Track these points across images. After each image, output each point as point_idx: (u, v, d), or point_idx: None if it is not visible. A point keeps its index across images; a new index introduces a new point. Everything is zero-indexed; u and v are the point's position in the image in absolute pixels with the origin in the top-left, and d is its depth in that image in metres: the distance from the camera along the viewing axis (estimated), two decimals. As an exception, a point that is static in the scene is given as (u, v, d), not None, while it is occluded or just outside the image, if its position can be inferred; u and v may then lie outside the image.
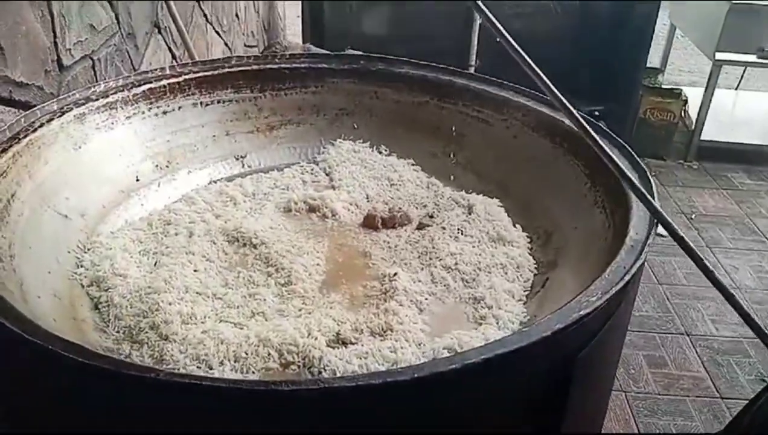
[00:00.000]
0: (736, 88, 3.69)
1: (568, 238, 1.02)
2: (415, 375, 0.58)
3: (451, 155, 1.27)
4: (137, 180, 1.12)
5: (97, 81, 1.31)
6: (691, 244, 0.82)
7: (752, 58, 2.95)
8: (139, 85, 1.16)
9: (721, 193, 2.84)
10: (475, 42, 2.60)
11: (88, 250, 0.98)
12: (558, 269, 0.98)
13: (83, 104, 1.08)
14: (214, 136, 1.24)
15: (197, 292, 0.91)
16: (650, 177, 0.94)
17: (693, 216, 2.63)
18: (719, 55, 2.92)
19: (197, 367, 0.79)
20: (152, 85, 1.18)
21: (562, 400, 0.66)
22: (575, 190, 1.05)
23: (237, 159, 1.26)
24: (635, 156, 0.99)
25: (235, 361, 0.81)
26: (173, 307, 0.87)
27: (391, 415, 0.61)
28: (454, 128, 1.27)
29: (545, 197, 1.11)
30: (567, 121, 1.13)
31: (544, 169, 1.12)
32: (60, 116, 1.04)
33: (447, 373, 0.58)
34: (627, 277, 0.71)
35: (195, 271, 0.96)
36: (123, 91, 1.14)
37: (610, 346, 0.81)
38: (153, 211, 1.09)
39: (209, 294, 0.92)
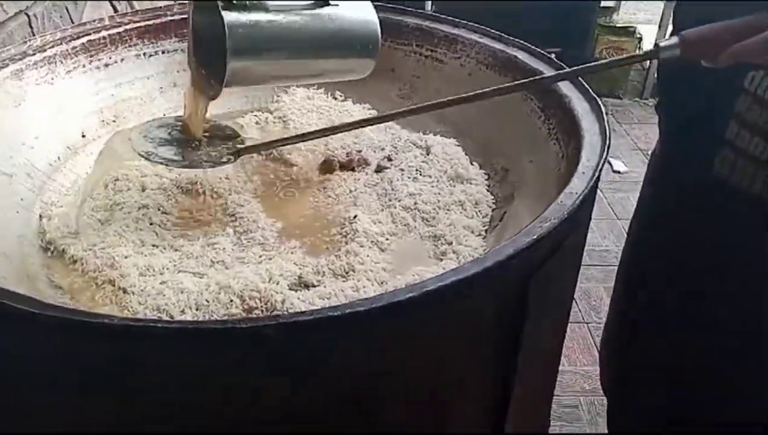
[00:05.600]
0: (689, 25, 3.72)
1: (524, 172, 1.03)
2: (373, 305, 0.58)
3: (407, 98, 1.25)
4: (83, 136, 1.08)
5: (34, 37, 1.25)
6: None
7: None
8: (78, 38, 1.11)
9: (676, 128, 2.89)
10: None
11: (37, 209, 0.95)
12: (515, 202, 0.99)
13: (20, 60, 1.04)
14: (161, 88, 1.20)
15: (153, 245, 0.90)
16: (600, 103, 0.94)
17: (649, 151, 2.67)
18: (671, -10, 2.94)
19: (158, 316, 0.79)
20: (91, 37, 1.13)
21: (519, 324, 0.67)
22: (530, 124, 1.06)
23: (187, 111, 1.22)
24: (585, 85, 0.99)
25: (196, 309, 0.80)
26: (129, 259, 0.86)
27: (352, 346, 0.61)
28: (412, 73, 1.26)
29: (501, 134, 1.11)
30: (520, 56, 1.14)
31: (499, 106, 1.11)
32: (-5, 72, 1.00)
33: (405, 301, 0.59)
34: (578, 201, 0.72)
35: (150, 223, 0.94)
36: (61, 44, 1.09)
37: (565, 269, 0.83)
38: (102, 167, 1.05)
39: (166, 246, 0.90)
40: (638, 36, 3.16)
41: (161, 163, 0.97)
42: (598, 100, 0.96)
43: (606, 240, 2.13)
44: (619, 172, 2.52)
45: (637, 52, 3.18)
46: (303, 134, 1.05)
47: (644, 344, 1.16)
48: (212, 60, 0.94)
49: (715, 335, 1.01)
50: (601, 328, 1.76)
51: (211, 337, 0.57)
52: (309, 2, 0.95)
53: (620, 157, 2.61)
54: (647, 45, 3.15)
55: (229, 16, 0.87)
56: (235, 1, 0.88)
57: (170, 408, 0.61)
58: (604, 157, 0.82)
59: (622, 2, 3.71)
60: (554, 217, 0.71)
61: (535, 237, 0.67)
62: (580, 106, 0.96)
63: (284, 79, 1.11)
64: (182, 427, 0.62)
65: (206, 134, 1.04)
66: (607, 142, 0.86)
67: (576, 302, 1.86)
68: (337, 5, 0.97)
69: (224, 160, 0.99)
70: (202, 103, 1.00)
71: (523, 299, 0.68)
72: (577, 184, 0.78)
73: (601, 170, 0.81)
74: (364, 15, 1.00)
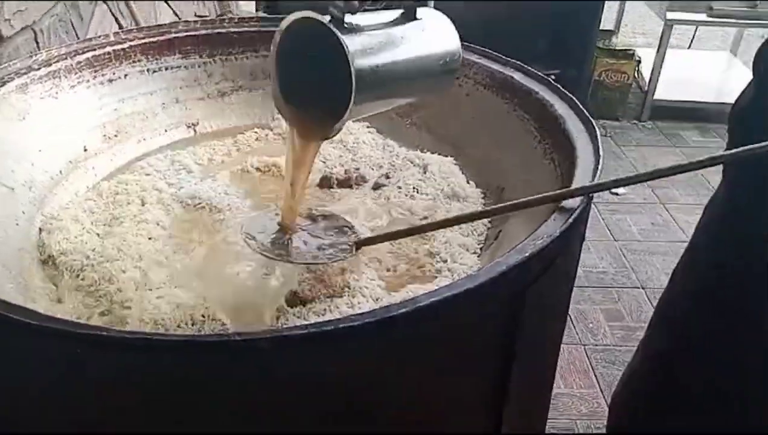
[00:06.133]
0: (688, 48, 3.76)
1: (520, 191, 1.03)
2: (367, 320, 0.59)
3: (406, 116, 1.27)
4: (85, 150, 1.09)
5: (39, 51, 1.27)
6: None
7: (702, 16, 3.01)
8: (83, 53, 1.13)
9: (674, 150, 2.91)
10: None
11: (38, 222, 0.96)
12: (510, 221, 1.00)
13: (25, 74, 1.05)
14: (163, 103, 1.22)
15: (151, 259, 0.91)
16: (594, 124, 0.96)
17: (647, 174, 2.68)
18: (670, 15, 2.97)
19: (154, 330, 0.79)
20: (96, 53, 1.15)
21: (512, 340, 0.68)
22: (526, 144, 1.07)
23: (188, 126, 1.24)
24: (579, 105, 1.01)
25: (192, 324, 0.81)
26: (127, 274, 0.86)
27: (345, 360, 0.62)
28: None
29: (498, 153, 1.12)
30: (516, 77, 1.15)
31: (496, 125, 1.13)
32: (1, 87, 1.01)
33: (398, 316, 0.59)
34: (570, 220, 0.73)
35: (149, 238, 0.95)
36: (66, 59, 1.11)
37: (558, 286, 0.84)
38: (103, 182, 1.07)
39: (164, 260, 0.91)
40: (637, 59, 3.19)
41: (280, 260, 0.88)
42: (593, 121, 0.98)
43: (603, 261, 2.14)
44: (617, 194, 2.53)
45: (636, 75, 3.23)
46: (424, 225, 0.95)
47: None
48: (310, 93, 0.83)
49: None
50: (599, 350, 1.77)
51: (205, 350, 0.57)
52: (396, 17, 0.84)
53: (619, 178, 2.62)
54: (646, 68, 3.18)
55: (348, 39, 0.74)
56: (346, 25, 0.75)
57: (163, 419, 0.62)
58: (597, 177, 0.83)
59: (622, 26, 3.76)
60: (546, 235, 0.72)
61: (527, 254, 0.68)
62: (574, 126, 0.97)
63: (394, 100, 0.93)
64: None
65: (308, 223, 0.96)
66: (600, 162, 0.87)
67: (573, 324, 1.86)
68: (421, 19, 0.85)
69: (344, 252, 0.91)
70: (314, 148, 0.87)
71: (515, 316, 0.69)
72: (570, 203, 0.79)
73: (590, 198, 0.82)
74: (445, 28, 0.89)
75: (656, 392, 1.12)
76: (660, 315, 1.14)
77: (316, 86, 0.83)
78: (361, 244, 0.92)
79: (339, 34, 0.74)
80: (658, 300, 1.09)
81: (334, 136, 0.82)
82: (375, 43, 0.78)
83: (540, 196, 0.82)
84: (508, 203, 0.88)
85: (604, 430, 1.51)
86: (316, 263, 0.89)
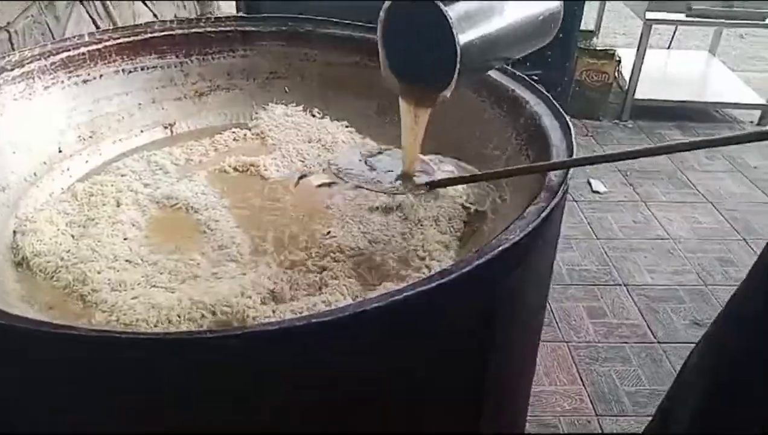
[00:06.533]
0: (668, 48, 3.80)
1: (497, 188, 1.04)
2: (340, 315, 0.59)
3: (383, 114, 1.27)
4: (60, 151, 1.09)
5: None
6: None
7: (681, 16, 3.04)
8: (57, 54, 1.12)
9: (655, 149, 2.93)
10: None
11: (12, 224, 0.95)
12: (488, 218, 1.01)
13: (-4, 74, 1.04)
14: (139, 104, 1.21)
15: (127, 260, 0.90)
16: (568, 121, 0.96)
17: (628, 172, 2.71)
18: (649, 15, 3.00)
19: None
20: (71, 53, 1.14)
21: (490, 334, 0.68)
22: (503, 140, 1.07)
23: (165, 127, 1.23)
24: (555, 103, 1.01)
25: (168, 324, 0.80)
26: (101, 275, 0.86)
27: (316, 357, 0.62)
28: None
29: (475, 150, 1.13)
30: (495, 76, 1.16)
31: (473, 122, 1.14)
32: (-28, 88, 1.00)
33: (371, 311, 0.59)
34: (543, 214, 0.73)
35: (125, 239, 0.94)
36: (40, 59, 1.10)
37: (535, 280, 0.84)
38: (78, 183, 1.06)
39: (139, 261, 0.90)
40: (617, 59, 3.21)
41: (358, 186, 1.04)
42: (566, 117, 0.98)
43: (585, 260, 2.15)
44: (598, 193, 2.55)
45: (616, 75, 3.26)
46: (490, 172, 1.01)
47: None
48: (418, 66, 0.90)
49: None
50: (581, 347, 1.78)
51: (177, 347, 0.57)
52: None
53: (600, 178, 2.64)
54: (626, 68, 3.21)
55: (450, 9, 0.79)
56: None
57: (137, 416, 0.61)
58: (568, 173, 0.84)
59: (603, 27, 3.79)
60: (519, 230, 0.72)
61: (499, 249, 0.68)
62: (549, 123, 0.98)
63: (497, 62, 1.01)
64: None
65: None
66: (573, 155, 0.88)
67: (556, 322, 1.87)
68: None
69: (419, 188, 1.03)
70: (423, 116, 0.96)
71: (490, 310, 0.69)
72: (544, 199, 0.79)
73: (566, 185, 0.83)
74: None
75: (717, 388, 1.10)
76: (731, 311, 1.12)
77: (422, 58, 0.88)
78: (432, 185, 1.04)
79: (441, 5, 0.78)
80: (731, 296, 1.07)
81: (436, 103, 0.91)
82: (475, 7, 0.83)
83: (541, 163, 0.88)
84: (522, 166, 0.96)
85: (586, 427, 1.52)
86: (396, 193, 1.03)
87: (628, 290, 2.02)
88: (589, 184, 2.60)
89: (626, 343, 1.81)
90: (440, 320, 0.67)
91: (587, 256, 2.17)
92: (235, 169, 1.13)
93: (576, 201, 2.48)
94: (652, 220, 2.40)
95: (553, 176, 0.83)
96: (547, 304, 1.93)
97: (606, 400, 1.58)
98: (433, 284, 0.62)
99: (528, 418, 1.53)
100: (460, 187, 1.07)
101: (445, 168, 1.11)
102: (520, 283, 0.73)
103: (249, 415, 0.63)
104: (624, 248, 2.23)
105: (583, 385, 1.64)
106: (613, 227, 2.34)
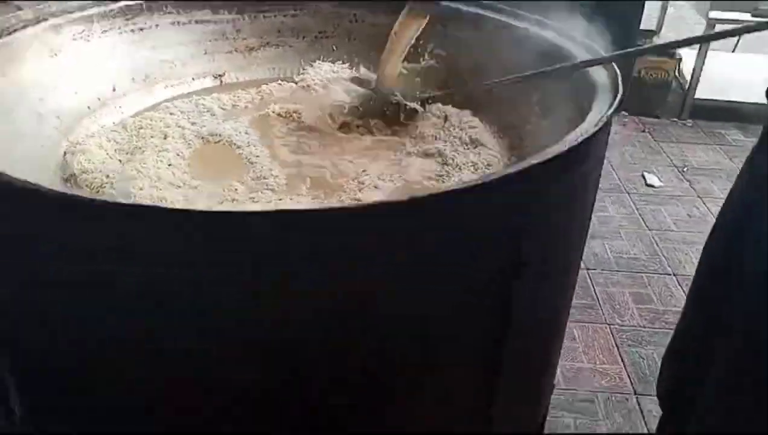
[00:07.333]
0: (733, 51, 3.67)
1: (540, 134, 1.03)
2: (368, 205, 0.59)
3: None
4: (114, 90, 1.13)
5: None
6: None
7: (746, 16, 2.93)
8: (116, 1, 1.17)
9: (714, 148, 2.83)
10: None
11: (63, 147, 0.99)
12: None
13: (59, 15, 1.09)
14: (192, 54, 1.25)
15: (169, 182, 0.93)
16: (615, 67, 0.94)
17: (685, 169, 2.63)
18: (712, 14, 2.91)
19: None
20: (129, 3, 1.19)
21: (517, 245, 0.67)
22: (548, 90, 1.06)
23: (215, 77, 1.27)
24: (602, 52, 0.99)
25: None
26: (144, 192, 0.89)
27: (342, 245, 0.62)
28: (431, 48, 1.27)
29: (518, 103, 1.11)
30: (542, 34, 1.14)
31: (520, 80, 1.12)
32: (35, 25, 1.05)
33: (399, 204, 0.59)
34: (582, 138, 0.72)
35: (169, 165, 0.97)
36: (100, 6, 1.15)
37: (559, 240, 0.82)
38: (129, 117, 1.10)
39: (180, 184, 0.93)
40: (678, 57, 3.13)
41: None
42: (614, 65, 0.96)
43: (635, 248, 2.09)
44: (652, 186, 2.48)
45: (677, 74, 3.17)
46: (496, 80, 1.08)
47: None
48: None
49: None
50: (625, 330, 1.72)
51: (200, 221, 0.58)
52: None
53: (654, 172, 2.57)
54: (687, 66, 3.12)
55: None
56: None
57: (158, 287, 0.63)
58: (614, 104, 0.82)
59: (665, 25, 3.69)
60: (557, 151, 0.71)
61: (533, 162, 0.67)
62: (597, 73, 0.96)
63: None
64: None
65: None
66: (618, 95, 0.86)
67: (600, 304, 1.82)
68: None
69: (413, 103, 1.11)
70: (414, 26, 1.07)
71: (519, 229, 0.68)
72: (585, 127, 0.78)
73: (610, 117, 0.81)
74: None
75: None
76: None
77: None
78: (425, 99, 1.12)
79: None
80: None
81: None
82: None
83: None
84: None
85: (623, 404, 1.47)
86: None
87: (677, 280, 1.95)
88: (644, 177, 2.54)
89: (671, 329, 1.74)
90: (470, 223, 0.66)
91: (636, 245, 2.10)
92: (279, 115, 1.15)
93: (628, 193, 2.41)
94: (708, 216, 2.31)
95: (598, 110, 0.82)
96: (591, 287, 1.89)
97: (647, 380, 1.52)
98: (466, 186, 0.62)
99: (562, 390, 1.50)
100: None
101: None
102: (546, 211, 0.72)
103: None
104: (677, 240, 2.15)
105: (624, 365, 1.59)
106: (666, 220, 2.27)
